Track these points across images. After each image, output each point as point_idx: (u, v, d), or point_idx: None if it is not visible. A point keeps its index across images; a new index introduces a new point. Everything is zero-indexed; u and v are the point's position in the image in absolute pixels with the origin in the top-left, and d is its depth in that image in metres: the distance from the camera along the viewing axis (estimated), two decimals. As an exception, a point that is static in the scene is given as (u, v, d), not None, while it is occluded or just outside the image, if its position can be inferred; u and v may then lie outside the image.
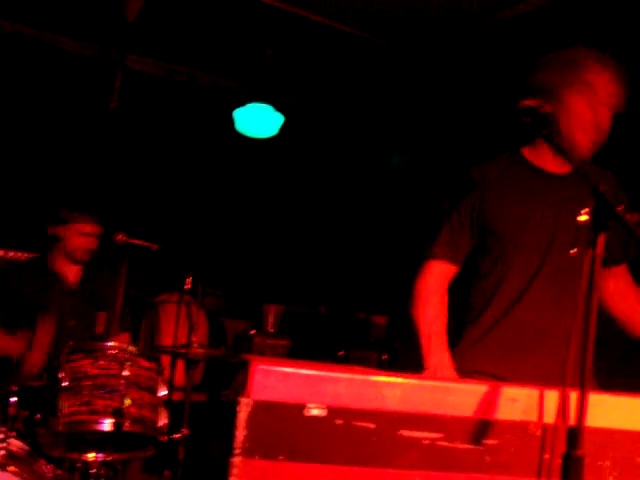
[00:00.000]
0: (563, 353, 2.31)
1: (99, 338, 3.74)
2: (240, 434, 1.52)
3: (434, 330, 2.44)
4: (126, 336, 4.14)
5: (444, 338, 2.45)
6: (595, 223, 1.64)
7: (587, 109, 2.40)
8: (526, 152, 2.56)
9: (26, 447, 2.94)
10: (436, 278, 2.52)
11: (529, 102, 2.10)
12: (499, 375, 2.33)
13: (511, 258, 2.45)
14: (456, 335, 2.52)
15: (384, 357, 4.97)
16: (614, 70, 2.42)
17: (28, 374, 3.51)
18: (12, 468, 2.82)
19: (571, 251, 2.11)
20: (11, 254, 4.69)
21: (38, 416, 2.94)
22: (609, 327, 2.77)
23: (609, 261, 2.43)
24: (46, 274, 4.01)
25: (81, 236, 3.98)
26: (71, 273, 4.06)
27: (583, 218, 1.67)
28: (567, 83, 2.40)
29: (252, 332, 5.60)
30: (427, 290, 2.50)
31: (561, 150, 2.06)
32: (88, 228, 4.00)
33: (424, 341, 2.43)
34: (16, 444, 2.92)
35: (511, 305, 2.44)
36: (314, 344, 5.74)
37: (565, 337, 2.33)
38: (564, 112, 2.38)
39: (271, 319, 5.85)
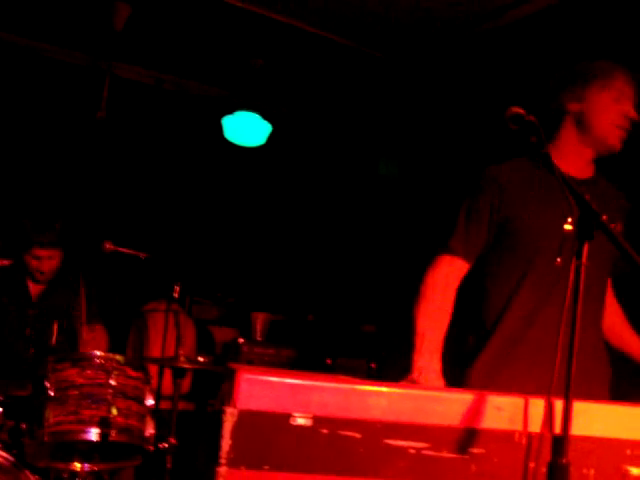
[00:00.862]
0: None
1: (55, 349, 3.72)
2: (226, 444, 1.52)
3: (430, 331, 2.35)
4: (100, 327, 4.15)
5: (439, 342, 2.35)
6: (580, 231, 1.65)
7: (613, 102, 2.44)
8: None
9: (11, 458, 2.92)
10: (447, 274, 2.44)
11: (516, 109, 2.11)
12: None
13: (529, 261, 2.40)
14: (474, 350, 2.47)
15: (372, 365, 4.96)
16: (634, 84, 2.49)
17: None
18: (-3, 479, 2.81)
19: (556, 260, 2.11)
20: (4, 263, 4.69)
21: (24, 426, 2.93)
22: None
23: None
24: (17, 282, 4.10)
25: (36, 259, 4.03)
26: (34, 286, 4.14)
27: (568, 227, 1.68)
28: (595, 85, 2.46)
29: (240, 340, 5.59)
30: (434, 287, 2.41)
31: (546, 162, 2.06)
32: (42, 252, 4.03)
33: (417, 340, 2.33)
34: (1, 455, 2.90)
35: (528, 318, 2.38)
36: (302, 352, 5.73)
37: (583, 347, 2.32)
38: (592, 108, 2.44)
39: (259, 327, 5.84)
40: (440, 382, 2.31)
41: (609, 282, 2.63)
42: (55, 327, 3.73)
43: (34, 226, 4.00)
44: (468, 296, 2.52)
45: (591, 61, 2.53)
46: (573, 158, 2.49)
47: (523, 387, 2.21)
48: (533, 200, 2.44)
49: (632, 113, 2.43)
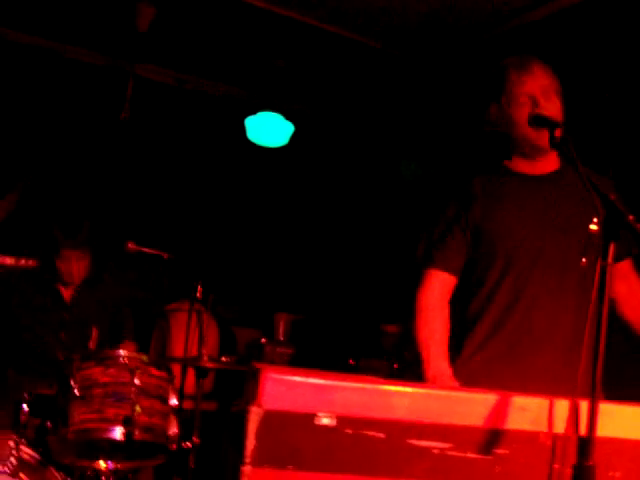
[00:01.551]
0: (560, 357, 2.33)
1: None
2: (250, 443, 1.52)
3: (434, 341, 2.43)
4: (132, 345, 4.17)
5: (444, 348, 2.43)
6: (606, 232, 1.64)
7: (519, 106, 2.47)
8: (509, 163, 2.59)
9: (37, 455, 2.96)
10: (438, 290, 2.52)
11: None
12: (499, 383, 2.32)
13: (507, 264, 2.45)
14: (456, 348, 2.51)
15: (395, 366, 4.95)
16: (532, 66, 2.51)
17: None
18: (22, 476, 2.83)
19: (582, 260, 2.10)
20: (22, 262, 4.74)
21: (49, 424, 2.96)
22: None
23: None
24: (47, 284, 4.12)
25: (63, 263, 4.06)
26: (66, 290, 4.16)
27: (594, 227, 1.67)
28: (498, 100, 2.53)
29: (263, 341, 5.60)
30: (429, 304, 2.49)
31: (570, 159, 2.06)
32: (72, 254, 4.07)
33: (424, 352, 2.42)
34: (27, 452, 2.93)
35: (507, 312, 2.43)
36: (324, 353, 5.73)
37: (563, 340, 2.34)
38: (509, 123, 2.50)
39: (282, 328, 5.85)
40: (455, 383, 2.36)
41: (632, 267, 2.62)
42: (95, 333, 3.77)
43: (62, 228, 4.04)
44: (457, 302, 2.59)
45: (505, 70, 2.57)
46: (528, 161, 2.53)
47: (502, 376, 2.33)
48: (508, 208, 2.49)
49: (549, 109, 2.42)
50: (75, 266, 4.06)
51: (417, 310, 2.49)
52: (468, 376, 2.40)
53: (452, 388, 2.20)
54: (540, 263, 2.42)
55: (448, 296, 2.53)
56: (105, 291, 4.27)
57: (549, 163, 2.56)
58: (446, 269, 2.52)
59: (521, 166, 2.56)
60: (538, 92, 2.46)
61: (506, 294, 2.44)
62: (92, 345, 3.78)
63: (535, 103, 2.45)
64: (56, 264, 4.06)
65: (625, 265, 2.59)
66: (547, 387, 1.95)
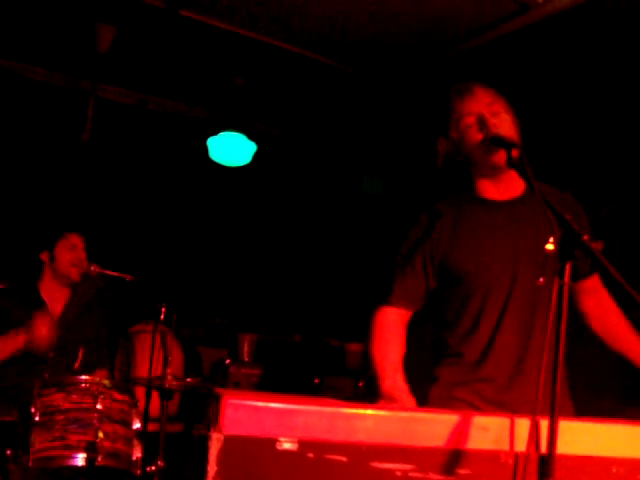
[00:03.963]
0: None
1: (76, 373, 3.70)
2: (212, 469, 1.51)
3: (386, 358, 2.40)
4: (104, 373, 4.12)
5: (399, 365, 2.40)
6: (562, 252, 1.66)
7: (471, 132, 2.43)
8: (472, 187, 2.53)
9: (-3, 484, 2.90)
10: (392, 321, 2.49)
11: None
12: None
13: (478, 297, 2.41)
14: (435, 372, 2.49)
15: (360, 384, 4.95)
16: (472, 89, 2.48)
17: None
18: (-18, 506, 2.78)
19: (539, 280, 2.11)
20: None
21: (9, 452, 2.90)
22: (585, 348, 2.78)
23: (577, 276, 2.41)
24: (34, 301, 4.01)
25: (71, 251, 4.01)
26: (58, 302, 4.06)
27: (550, 247, 1.69)
28: (445, 131, 2.49)
29: (227, 361, 5.57)
30: (382, 329, 2.47)
31: (524, 175, 2.07)
32: (75, 239, 4.06)
33: (378, 368, 2.39)
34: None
35: (488, 343, 2.39)
36: (289, 372, 5.71)
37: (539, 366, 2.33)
38: (462, 149, 2.47)
39: (246, 348, 5.83)
40: (410, 399, 2.34)
41: (599, 282, 2.62)
42: (81, 353, 3.72)
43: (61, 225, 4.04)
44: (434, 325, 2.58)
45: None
46: (493, 185, 2.49)
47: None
48: (469, 232, 2.45)
49: (500, 127, 2.38)
50: (82, 253, 4.03)
51: (372, 332, 2.47)
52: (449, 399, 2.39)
53: (414, 409, 2.19)
54: (514, 292, 2.38)
55: (404, 324, 2.50)
56: (90, 312, 4.20)
57: (513, 185, 2.49)
58: (401, 305, 2.49)
59: (486, 190, 2.49)
60: (484, 110, 2.41)
61: (487, 326, 2.40)
62: (77, 366, 3.73)
63: (482, 122, 2.39)
64: (60, 260, 4.01)
65: (592, 280, 2.59)
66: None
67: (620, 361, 2.58)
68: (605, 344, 2.61)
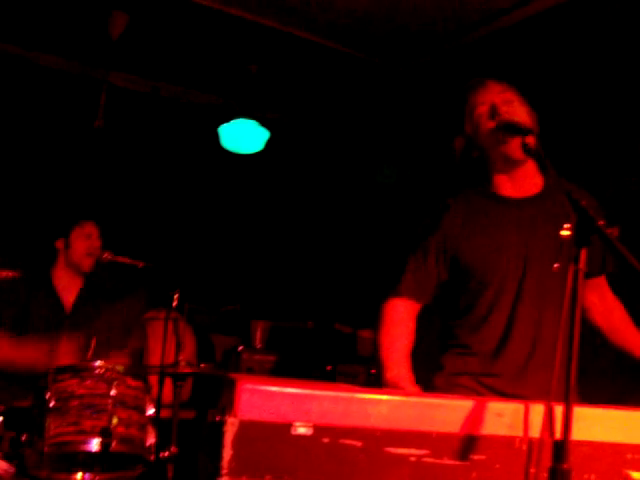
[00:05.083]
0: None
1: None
2: (227, 454, 1.51)
3: (392, 348, 2.41)
4: (122, 355, 4.12)
5: (405, 355, 2.40)
6: (577, 238, 1.65)
7: (483, 120, 2.43)
8: (489, 184, 2.53)
9: (12, 469, 2.92)
10: (401, 312, 2.49)
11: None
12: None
13: (489, 292, 2.42)
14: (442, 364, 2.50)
15: (372, 371, 4.95)
16: (485, 82, 2.47)
17: None
18: (-2, 490, 2.80)
19: (554, 266, 2.10)
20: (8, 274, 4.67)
21: (24, 437, 2.92)
22: (595, 338, 2.78)
23: (588, 273, 2.41)
24: (47, 291, 4.03)
25: (87, 239, 4.04)
26: (70, 291, 4.07)
27: (565, 233, 1.68)
28: (462, 128, 2.49)
29: (240, 348, 5.58)
30: (391, 320, 2.48)
31: (540, 161, 2.05)
32: (91, 228, 4.08)
33: (384, 358, 2.39)
34: (2, 465, 2.90)
35: (502, 337, 2.40)
36: (302, 359, 5.72)
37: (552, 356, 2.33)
38: (477, 142, 2.46)
39: (259, 335, 5.84)
40: (415, 389, 2.34)
41: (605, 281, 2.64)
42: (93, 343, 3.73)
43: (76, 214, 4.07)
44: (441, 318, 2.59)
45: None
46: (511, 183, 2.48)
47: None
48: (481, 230, 2.45)
49: (512, 114, 2.37)
50: (97, 241, 4.05)
51: (379, 325, 2.48)
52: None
53: (428, 395, 2.19)
54: (526, 288, 2.39)
55: (413, 316, 2.51)
56: (103, 301, 4.20)
57: (530, 182, 2.48)
58: (412, 297, 2.50)
59: (501, 187, 2.48)
60: (496, 100, 2.40)
61: (497, 322, 2.41)
62: (89, 355, 3.74)
63: (494, 109, 2.38)
64: (75, 249, 4.03)
65: (599, 280, 2.62)
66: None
67: (618, 355, 2.60)
68: (606, 338, 2.63)
